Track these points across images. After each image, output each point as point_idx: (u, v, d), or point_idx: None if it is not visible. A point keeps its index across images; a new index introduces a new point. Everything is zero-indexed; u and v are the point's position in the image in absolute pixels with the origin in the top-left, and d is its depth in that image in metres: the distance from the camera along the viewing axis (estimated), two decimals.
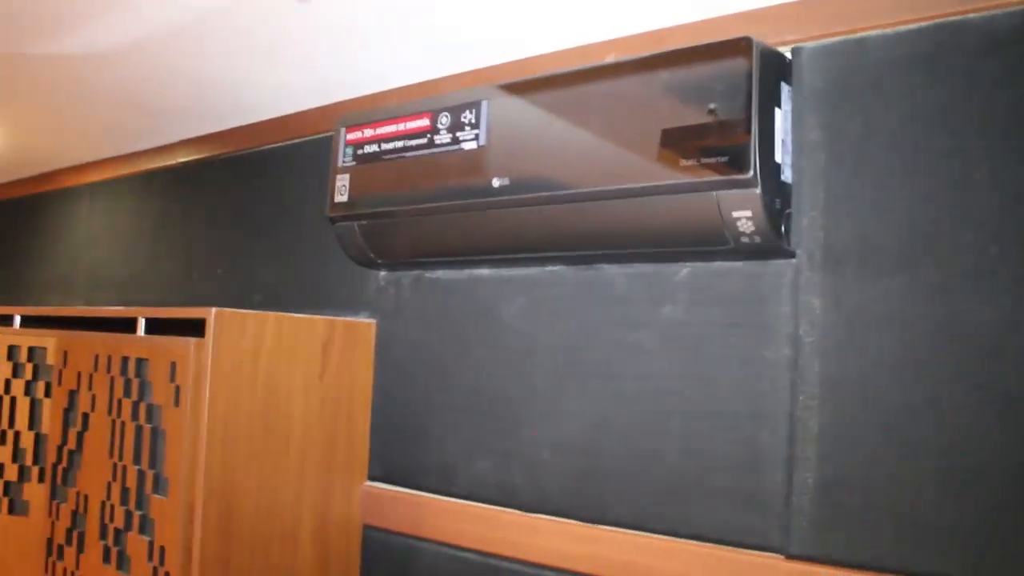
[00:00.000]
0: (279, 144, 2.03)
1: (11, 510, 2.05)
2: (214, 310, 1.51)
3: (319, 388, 1.69)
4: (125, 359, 1.69)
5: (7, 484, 2.05)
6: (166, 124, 2.19)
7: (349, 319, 1.76)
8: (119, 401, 1.68)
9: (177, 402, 1.54)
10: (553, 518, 1.49)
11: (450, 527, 1.62)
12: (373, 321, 1.79)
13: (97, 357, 1.76)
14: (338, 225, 1.68)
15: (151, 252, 2.38)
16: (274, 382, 1.61)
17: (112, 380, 1.71)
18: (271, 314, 1.60)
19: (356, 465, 1.76)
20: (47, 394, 2.03)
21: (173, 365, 1.56)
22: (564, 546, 1.46)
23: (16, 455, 2.05)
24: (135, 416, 1.64)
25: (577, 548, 1.44)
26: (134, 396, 1.65)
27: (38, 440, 2.04)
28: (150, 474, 1.59)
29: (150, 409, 1.61)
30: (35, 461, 2.04)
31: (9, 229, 3.04)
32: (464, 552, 1.60)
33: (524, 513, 1.53)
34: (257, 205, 2.09)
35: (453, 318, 1.68)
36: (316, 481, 1.69)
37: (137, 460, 1.63)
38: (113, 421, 1.69)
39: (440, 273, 1.71)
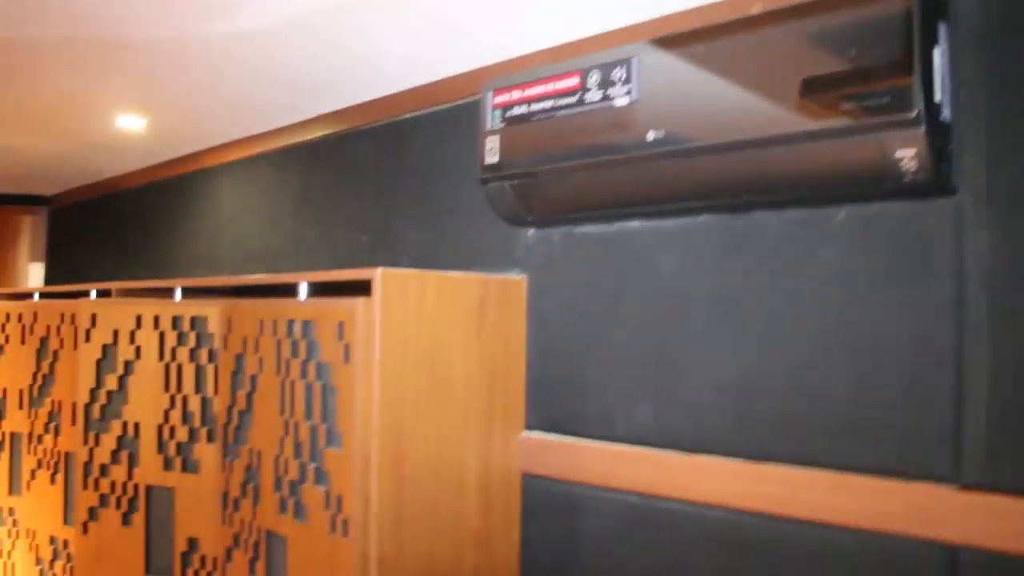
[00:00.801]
0: (421, 112, 2.10)
1: (184, 468, 2.19)
2: (380, 270, 1.59)
3: (477, 343, 1.76)
4: (291, 322, 1.78)
5: (179, 445, 2.20)
6: (304, 99, 2.28)
7: (501, 276, 1.83)
8: (287, 362, 1.78)
9: (347, 359, 1.63)
10: (716, 457, 1.53)
11: (611, 471, 1.68)
12: (524, 278, 1.85)
13: (262, 322, 1.86)
14: (490, 186, 1.74)
15: (294, 225, 2.49)
16: (436, 338, 1.68)
17: (279, 343, 1.81)
18: (431, 273, 1.67)
19: (514, 416, 1.83)
20: (211, 360, 2.16)
21: (341, 325, 1.64)
22: (728, 485, 1.50)
23: (185, 418, 2.19)
24: (304, 375, 1.74)
25: (741, 486, 1.49)
26: (302, 356, 1.75)
27: (204, 404, 2.17)
28: (323, 428, 1.69)
29: (319, 368, 1.71)
30: (203, 423, 2.17)
31: (155, 211, 3.20)
32: (625, 494, 1.66)
33: (686, 454, 1.58)
34: (400, 172, 2.17)
35: (605, 271, 1.73)
36: (478, 432, 1.76)
37: (309, 416, 1.73)
38: (282, 381, 1.80)
39: (590, 228, 1.75)
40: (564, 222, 1.79)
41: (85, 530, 2.33)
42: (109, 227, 3.58)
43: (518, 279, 1.85)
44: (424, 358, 1.66)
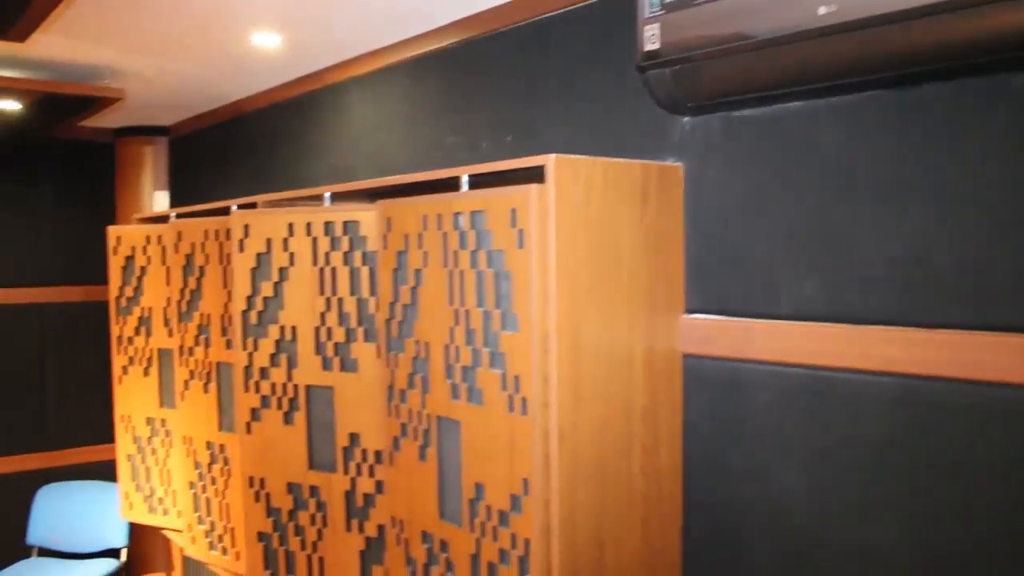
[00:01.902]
0: (563, 9, 2.12)
1: (342, 367, 2.29)
2: (553, 156, 1.63)
3: (640, 228, 1.79)
4: (457, 214, 1.84)
5: (337, 345, 2.30)
6: (439, 6, 2.30)
7: (660, 163, 1.85)
8: (455, 253, 1.85)
9: (521, 244, 1.68)
10: (887, 327, 1.55)
11: (777, 346, 1.72)
12: (680, 165, 1.88)
13: (425, 217, 1.92)
14: (649, 74, 1.75)
15: (432, 133, 2.54)
16: (603, 223, 1.72)
17: (444, 236, 1.87)
18: (598, 159, 1.71)
19: (674, 300, 1.87)
20: (364, 262, 2.24)
21: (514, 211, 1.69)
22: (899, 352, 1.52)
23: (342, 319, 2.28)
24: (474, 264, 1.80)
25: (915, 352, 1.51)
26: (471, 246, 1.80)
27: (360, 304, 2.26)
28: (496, 314, 1.75)
29: (490, 255, 1.76)
30: (359, 323, 2.26)
31: (281, 131, 3.29)
32: (792, 368, 1.70)
33: (856, 326, 1.60)
34: (542, 71, 2.20)
35: (766, 153, 1.74)
36: (643, 315, 1.81)
37: (480, 303, 1.79)
38: (449, 272, 1.86)
39: (750, 111, 1.76)
40: (723, 107, 1.80)
41: (248, 430, 2.46)
42: (233, 151, 3.68)
43: (675, 166, 1.88)
44: (593, 242, 1.71)
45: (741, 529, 1.80)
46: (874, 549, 1.58)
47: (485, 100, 2.37)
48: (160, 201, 4.20)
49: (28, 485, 4.15)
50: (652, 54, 1.74)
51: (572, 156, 1.66)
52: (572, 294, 1.67)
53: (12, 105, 2.95)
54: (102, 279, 4.31)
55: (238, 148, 3.64)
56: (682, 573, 1.91)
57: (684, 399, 1.89)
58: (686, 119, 1.88)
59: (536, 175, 1.69)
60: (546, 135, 2.19)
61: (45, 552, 4.07)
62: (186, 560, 4.30)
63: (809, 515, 1.68)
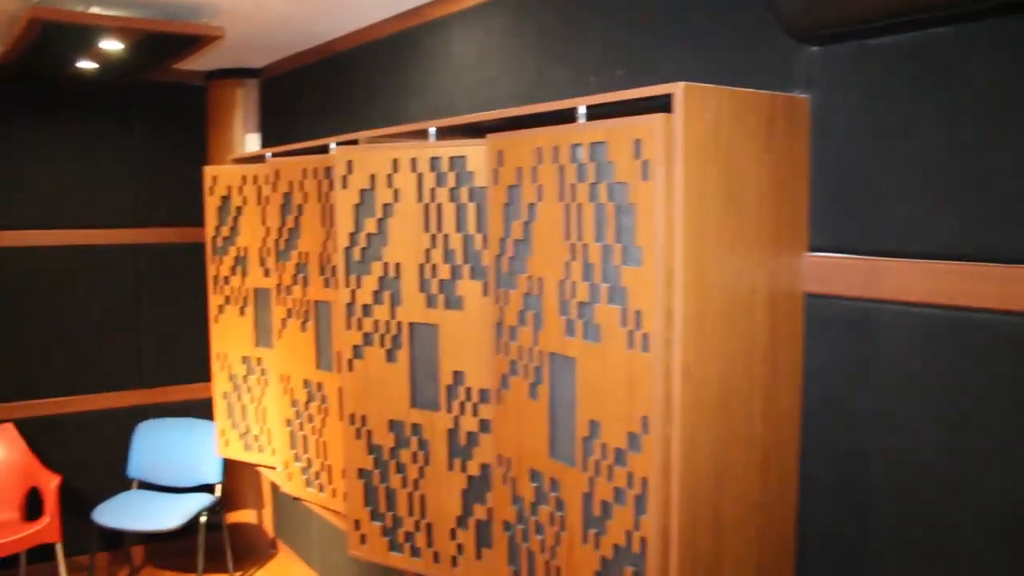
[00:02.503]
0: None
1: (447, 305, 2.27)
2: (682, 84, 1.56)
3: (767, 162, 1.72)
4: (575, 146, 1.79)
5: (442, 283, 2.28)
6: None
7: (787, 94, 1.77)
8: (572, 186, 1.80)
9: (646, 176, 1.62)
10: None
11: (910, 285, 1.64)
12: (807, 96, 1.79)
13: (540, 150, 1.88)
14: None
15: (537, 67, 2.48)
16: (730, 155, 1.65)
17: (561, 168, 1.82)
18: (725, 88, 1.63)
19: (798, 237, 1.80)
20: (471, 198, 2.21)
21: (638, 142, 1.64)
22: None
23: (447, 256, 2.26)
24: (593, 197, 1.75)
25: None
26: (590, 179, 1.75)
27: (466, 241, 2.23)
28: (617, 248, 1.70)
29: (611, 188, 1.71)
30: (465, 260, 2.24)
31: (375, 70, 3.26)
32: (927, 308, 1.62)
33: (998, 264, 1.51)
34: (659, 0, 2.12)
35: (902, 83, 1.65)
36: (766, 252, 1.75)
37: (600, 237, 1.75)
38: (567, 206, 1.82)
39: (886, 39, 1.66)
40: (857, 35, 1.70)
41: (350, 367, 2.47)
42: (326, 91, 3.67)
43: (802, 98, 1.79)
44: (720, 175, 1.64)
45: (864, 477, 1.74)
46: (1018, 504, 1.50)
47: (594, 33, 2.30)
48: (252, 142, 4.23)
49: (128, 421, 4.28)
50: None
51: (701, 85, 1.59)
52: (698, 228, 1.61)
53: (114, 45, 2.97)
54: (196, 220, 4.38)
55: (332, 88, 3.63)
56: (797, 519, 1.87)
57: (805, 341, 1.82)
58: (814, 48, 1.79)
59: (659, 106, 1.63)
60: (660, 69, 2.12)
61: (144, 485, 4.20)
62: (276, 497, 4.41)
63: (942, 464, 1.62)
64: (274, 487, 4.42)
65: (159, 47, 3.01)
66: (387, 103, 3.20)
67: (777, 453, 1.82)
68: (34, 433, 4.08)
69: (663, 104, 1.62)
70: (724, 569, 1.73)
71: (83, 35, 2.77)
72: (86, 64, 3.36)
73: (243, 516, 4.59)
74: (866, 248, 1.73)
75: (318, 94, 3.75)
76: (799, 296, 1.82)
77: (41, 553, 3.87)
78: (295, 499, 3.22)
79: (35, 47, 2.94)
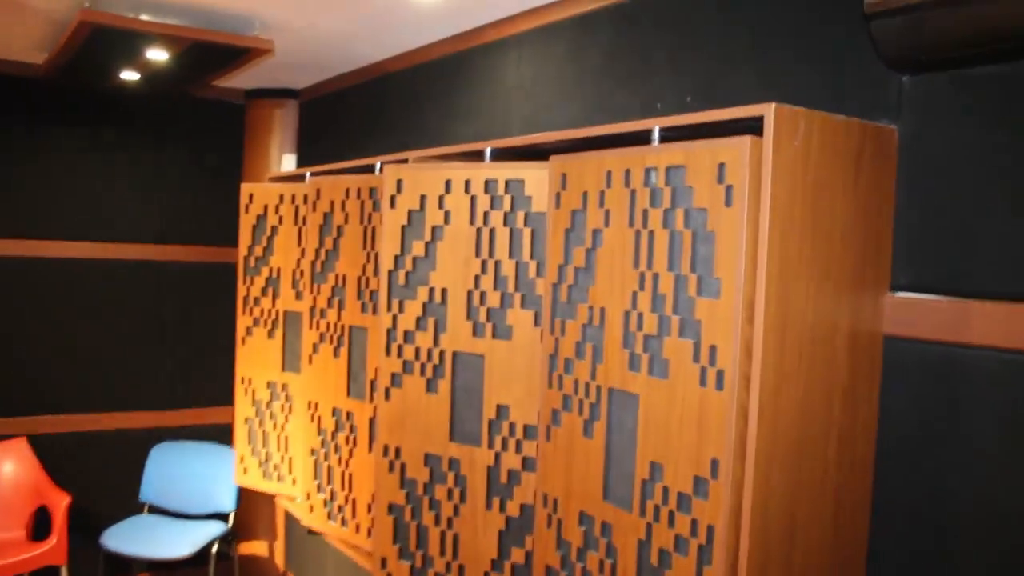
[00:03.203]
0: None
1: (495, 335, 2.17)
2: (773, 105, 1.47)
3: (853, 195, 1.62)
4: (649, 170, 1.70)
5: (490, 311, 2.18)
6: None
7: (876, 124, 1.68)
8: (644, 212, 1.70)
9: (729, 202, 1.53)
10: None
11: (1003, 329, 1.53)
12: (894, 127, 1.70)
13: (610, 173, 1.78)
14: (877, 22, 1.58)
15: (597, 92, 2.40)
16: (819, 184, 1.56)
17: (633, 193, 1.73)
18: (816, 112, 1.54)
19: (881, 274, 1.70)
20: (526, 223, 2.11)
21: (721, 166, 1.54)
22: None
23: (497, 283, 2.16)
24: (667, 224, 1.66)
25: None
26: (665, 204, 1.66)
27: (518, 268, 2.14)
28: (692, 278, 1.60)
29: (688, 214, 1.61)
30: (516, 288, 2.14)
31: (431, 90, 3.19)
32: (1019, 354, 1.50)
33: None
34: (730, 24, 2.04)
35: (1006, 114, 1.55)
36: (848, 289, 1.64)
37: (672, 266, 1.65)
38: (637, 232, 1.72)
39: (988, 69, 1.57)
40: (954, 63, 1.61)
41: (387, 396, 2.37)
42: (368, 114, 3.61)
43: (890, 128, 1.70)
44: (807, 204, 1.54)
45: (941, 529, 1.61)
46: None
47: (659, 57, 2.22)
48: (287, 164, 4.16)
49: (143, 442, 4.16)
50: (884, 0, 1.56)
51: (792, 107, 1.50)
52: (783, 260, 1.51)
53: (160, 55, 2.91)
54: (226, 240, 4.32)
55: (375, 111, 3.56)
56: (867, 571, 1.74)
57: (882, 385, 1.71)
58: (905, 78, 1.70)
59: (740, 130, 1.54)
60: (733, 97, 2.03)
61: (155, 510, 4.08)
62: (289, 530, 4.27)
63: None
64: (288, 519, 4.29)
65: (205, 59, 2.95)
66: (434, 126, 3.13)
67: (850, 500, 1.70)
68: (46, 450, 3.97)
69: (746, 129, 1.53)
70: None
71: (131, 42, 2.72)
72: (129, 75, 3.31)
73: (253, 548, 4.44)
74: (953, 289, 1.62)
75: (360, 116, 3.68)
76: (879, 337, 1.71)
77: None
78: (314, 533, 3.10)
79: (81, 53, 2.89)
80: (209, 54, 2.86)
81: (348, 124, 3.79)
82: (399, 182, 2.32)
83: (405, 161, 2.42)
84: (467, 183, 2.20)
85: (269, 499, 4.27)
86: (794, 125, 1.51)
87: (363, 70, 3.59)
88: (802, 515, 1.59)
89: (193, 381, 4.39)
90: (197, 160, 4.31)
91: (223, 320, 4.39)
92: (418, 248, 2.29)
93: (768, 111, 1.48)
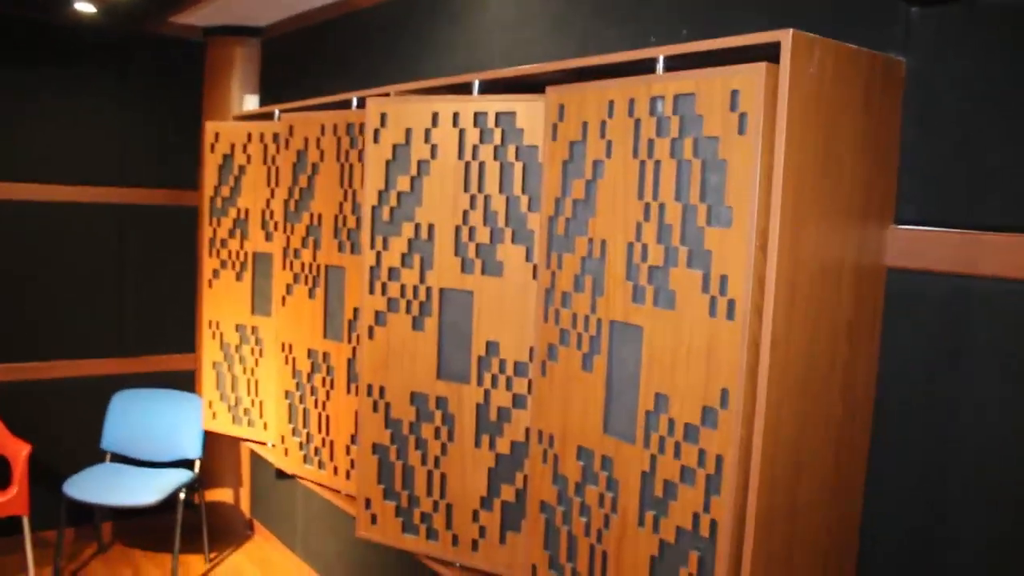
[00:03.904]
0: None
1: (483, 271, 2.13)
2: (791, 32, 1.44)
3: (863, 126, 1.61)
4: (655, 99, 1.66)
5: (479, 247, 2.14)
6: None
7: (886, 55, 1.66)
8: (649, 141, 1.67)
9: (742, 130, 1.50)
10: None
11: (1013, 261, 1.53)
12: (902, 59, 1.68)
13: (612, 103, 1.75)
14: None
15: (587, 26, 2.34)
16: (831, 114, 1.54)
17: (637, 122, 1.69)
18: (831, 41, 1.52)
19: (887, 207, 1.69)
20: (518, 157, 2.07)
21: (734, 93, 1.51)
22: None
23: (487, 218, 2.12)
24: (674, 153, 1.63)
25: None
26: (672, 133, 1.63)
27: (509, 203, 2.09)
28: (702, 208, 1.58)
29: (697, 143, 1.59)
30: (507, 223, 2.10)
31: (405, 26, 3.08)
32: None
33: None
34: None
35: (1016, 47, 1.54)
36: (856, 222, 1.63)
37: (680, 196, 1.62)
38: (642, 163, 1.69)
39: (1005, 1, 1.56)
40: None
41: (371, 335, 2.32)
42: (337, 52, 3.50)
43: (898, 60, 1.68)
44: (820, 134, 1.52)
45: (940, 470, 1.63)
46: None
47: None
48: (250, 104, 4.03)
49: (105, 390, 4.05)
50: None
51: (808, 34, 1.47)
52: (796, 191, 1.49)
53: None
54: (186, 183, 4.18)
55: (343, 49, 3.45)
56: (863, 509, 1.76)
57: (885, 319, 1.71)
58: (914, 9, 1.68)
59: (749, 58, 1.51)
60: (731, 29, 1.99)
61: (118, 458, 3.99)
62: (255, 476, 4.22)
63: None
64: (254, 465, 4.24)
65: None
66: (409, 64, 3.04)
67: (850, 436, 1.71)
68: (3, 399, 3.85)
69: (754, 57, 1.50)
70: (794, 556, 1.62)
71: None
72: (84, 6, 3.15)
73: (219, 495, 4.39)
74: (958, 222, 1.62)
75: (328, 55, 3.57)
76: (882, 270, 1.71)
77: (6, 526, 3.65)
78: (285, 477, 3.06)
79: None
80: None
81: (315, 63, 3.67)
82: (383, 115, 2.25)
83: (387, 95, 2.35)
84: (455, 116, 2.15)
85: (234, 446, 4.22)
86: (810, 53, 1.48)
87: (331, 6, 3.47)
88: (808, 447, 1.60)
89: (154, 327, 4.27)
90: (156, 100, 4.14)
91: (183, 265, 4.28)
92: (403, 183, 2.24)
93: (785, 37, 1.45)
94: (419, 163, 2.21)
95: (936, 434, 1.64)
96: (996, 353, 1.56)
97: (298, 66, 3.82)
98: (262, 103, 4.08)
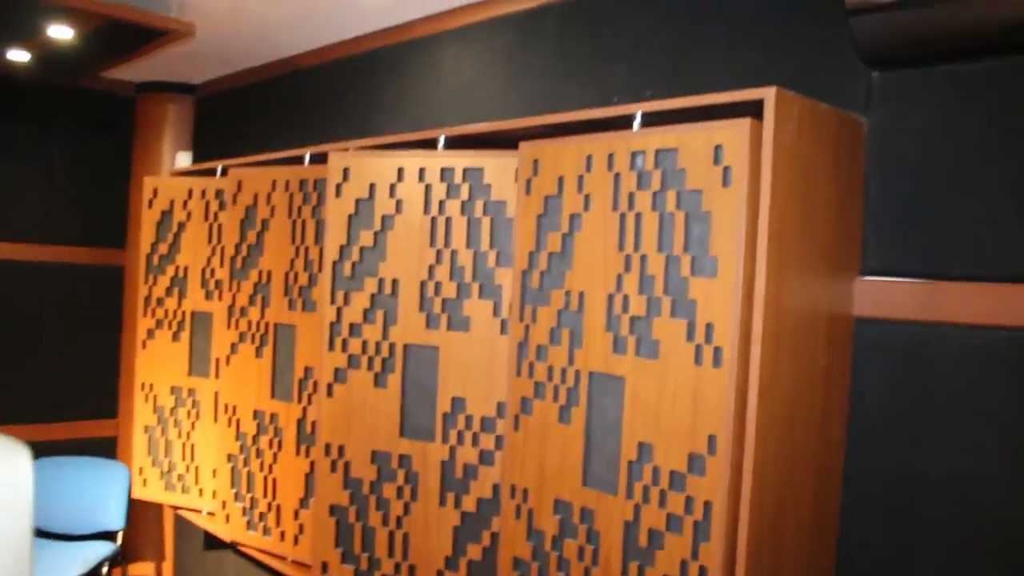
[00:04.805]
0: None
1: (449, 327, 2.13)
2: (774, 88, 1.51)
3: (833, 181, 1.69)
4: (636, 153, 1.71)
5: (445, 302, 2.13)
6: None
7: (850, 114, 1.75)
8: (630, 195, 1.71)
9: (727, 183, 1.55)
10: None
11: (970, 307, 1.62)
12: (863, 119, 1.78)
13: (590, 158, 1.79)
14: (858, 18, 1.65)
15: (548, 87, 2.39)
16: (807, 169, 1.61)
17: (617, 176, 1.73)
18: (806, 99, 1.59)
19: (853, 259, 1.77)
20: (485, 212, 2.09)
21: (718, 148, 1.57)
22: None
23: (453, 273, 2.12)
24: (657, 206, 1.67)
25: None
26: (654, 187, 1.67)
27: (476, 257, 2.10)
28: (686, 258, 1.62)
29: (679, 196, 1.63)
30: (474, 278, 2.10)
31: (355, 84, 3.08)
32: (994, 330, 1.60)
33: None
34: (697, 15, 2.07)
35: (971, 108, 1.65)
36: (828, 272, 1.70)
37: (663, 248, 1.66)
38: (622, 215, 1.73)
39: (958, 66, 1.67)
40: (922, 60, 1.71)
41: (330, 392, 2.28)
42: (276, 110, 3.47)
43: (860, 120, 1.78)
44: (798, 188, 1.59)
45: (910, 502, 1.69)
46: None
47: (617, 52, 2.25)
48: (183, 161, 3.95)
49: None
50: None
51: (788, 92, 1.54)
52: (779, 242, 1.55)
53: (64, 32, 2.70)
54: (111, 242, 4.05)
55: (284, 107, 3.44)
56: (837, 544, 1.80)
57: (853, 365, 1.78)
58: (875, 73, 1.78)
59: (726, 115, 1.57)
60: (697, 88, 2.07)
61: (36, 532, 3.75)
62: (179, 548, 4.03)
63: (1002, 496, 1.58)
64: (180, 536, 4.04)
65: (113, 41, 2.75)
66: (358, 122, 3.04)
67: (826, 478, 1.75)
68: None
69: (731, 114, 1.57)
70: None
71: (31, 14, 2.50)
72: (19, 55, 3.05)
73: (141, 570, 4.16)
74: (920, 271, 1.71)
75: (268, 113, 3.54)
76: (850, 319, 1.78)
77: None
78: (218, 547, 2.93)
79: None
80: (119, 35, 2.67)
81: (253, 121, 3.64)
82: (345, 170, 2.25)
83: (346, 151, 2.34)
84: (421, 171, 2.16)
85: (157, 516, 4.03)
86: (790, 110, 1.55)
87: (272, 65, 3.46)
88: (790, 489, 1.63)
89: (74, 393, 4.07)
90: (83, 155, 4.01)
91: (106, 328, 4.11)
92: (366, 238, 2.23)
93: (769, 94, 1.52)
94: (383, 218, 2.20)
95: (903, 469, 1.70)
96: (957, 391, 1.64)
97: (237, 123, 3.78)
98: (195, 160, 4.00)
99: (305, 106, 3.32)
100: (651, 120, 1.74)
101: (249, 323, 2.72)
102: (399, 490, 2.21)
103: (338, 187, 2.25)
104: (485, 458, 2.10)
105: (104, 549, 3.56)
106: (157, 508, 3.25)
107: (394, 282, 2.19)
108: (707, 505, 1.57)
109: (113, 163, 4.05)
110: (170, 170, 3.50)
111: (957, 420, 1.64)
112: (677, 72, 2.12)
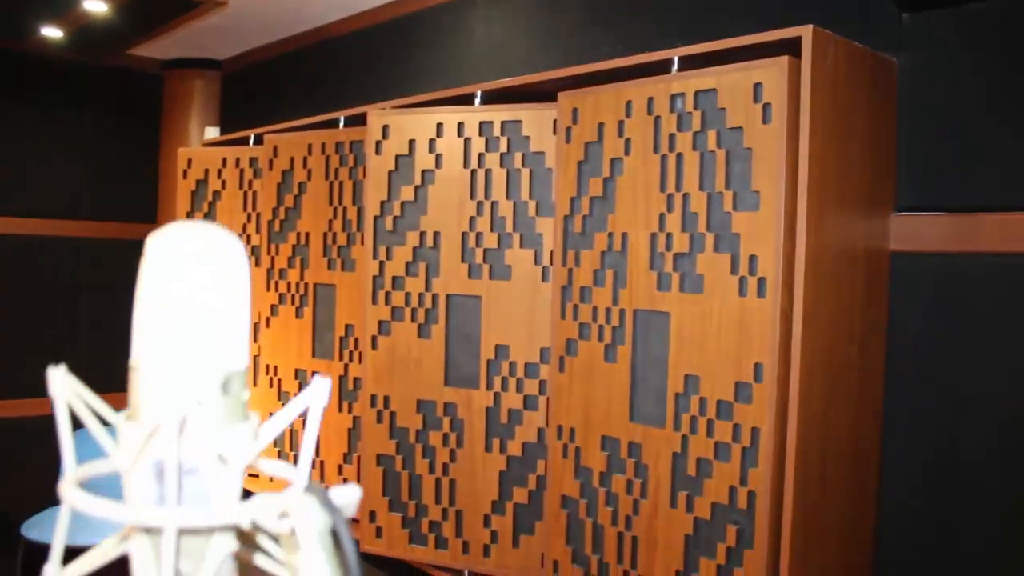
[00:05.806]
0: None
1: (491, 275, 2.19)
2: (811, 27, 1.56)
3: (868, 118, 1.74)
4: (675, 96, 1.76)
5: (487, 252, 2.19)
6: None
7: (882, 54, 1.80)
8: (671, 136, 1.77)
9: (767, 119, 1.61)
10: None
11: (1006, 237, 1.68)
12: (895, 59, 1.83)
13: (630, 103, 1.84)
14: None
15: (579, 45, 2.44)
16: (843, 105, 1.66)
17: (658, 119, 1.79)
18: (841, 38, 1.65)
19: (888, 195, 1.82)
20: (524, 163, 2.15)
21: (757, 86, 1.62)
22: None
23: (494, 224, 2.18)
24: (697, 146, 1.73)
25: None
26: (694, 127, 1.73)
27: (516, 208, 2.16)
28: (728, 194, 1.68)
29: (720, 135, 1.69)
30: (515, 228, 2.16)
31: (384, 53, 3.13)
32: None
33: None
34: None
35: (999, 45, 1.70)
36: (865, 207, 1.76)
37: (705, 185, 1.72)
38: (663, 156, 1.78)
39: (983, 5, 1.71)
40: (953, 1, 1.76)
41: (374, 345, 2.34)
42: (307, 81, 3.52)
43: (892, 60, 1.83)
44: (835, 125, 1.64)
45: (951, 434, 1.75)
46: None
47: (647, 3, 2.30)
48: (211, 135, 4.01)
49: (53, 429, 3.89)
50: None
51: (825, 30, 1.60)
52: (819, 176, 1.60)
53: (98, 5, 2.76)
54: (141, 217, 4.12)
55: (315, 78, 3.48)
56: (880, 471, 1.85)
57: (890, 297, 1.84)
58: (905, 15, 1.83)
59: (760, 55, 1.63)
60: (725, 34, 2.12)
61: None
62: None
63: None
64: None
65: (147, 13, 2.81)
66: (392, 89, 3.10)
67: (866, 405, 1.81)
68: None
69: (765, 54, 1.62)
70: (826, 522, 1.70)
71: None
72: (52, 31, 3.11)
73: None
74: (951, 206, 1.76)
75: (299, 85, 3.60)
76: (887, 253, 1.83)
77: None
78: None
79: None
80: (153, 7, 2.73)
81: (283, 93, 3.69)
82: (385, 127, 2.30)
83: (383, 111, 2.40)
84: (460, 126, 2.21)
85: None
86: (825, 49, 1.61)
87: (302, 35, 3.51)
88: (834, 416, 1.69)
89: (109, 366, 4.15)
90: (113, 133, 4.07)
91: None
92: (407, 193, 2.29)
93: (806, 32, 1.57)
94: (423, 172, 2.26)
95: (942, 395, 1.76)
96: (992, 319, 1.70)
97: (266, 97, 3.83)
98: (223, 134, 4.06)
99: (336, 75, 3.38)
100: (687, 64, 1.79)
101: (288, 284, 2.79)
102: (444, 437, 2.27)
103: (378, 144, 2.31)
104: (529, 403, 2.17)
105: None
106: None
107: (435, 235, 2.25)
108: (754, 431, 1.64)
109: (142, 141, 4.11)
110: (208, 139, 3.55)
111: (995, 346, 1.70)
112: (705, 21, 2.17)
